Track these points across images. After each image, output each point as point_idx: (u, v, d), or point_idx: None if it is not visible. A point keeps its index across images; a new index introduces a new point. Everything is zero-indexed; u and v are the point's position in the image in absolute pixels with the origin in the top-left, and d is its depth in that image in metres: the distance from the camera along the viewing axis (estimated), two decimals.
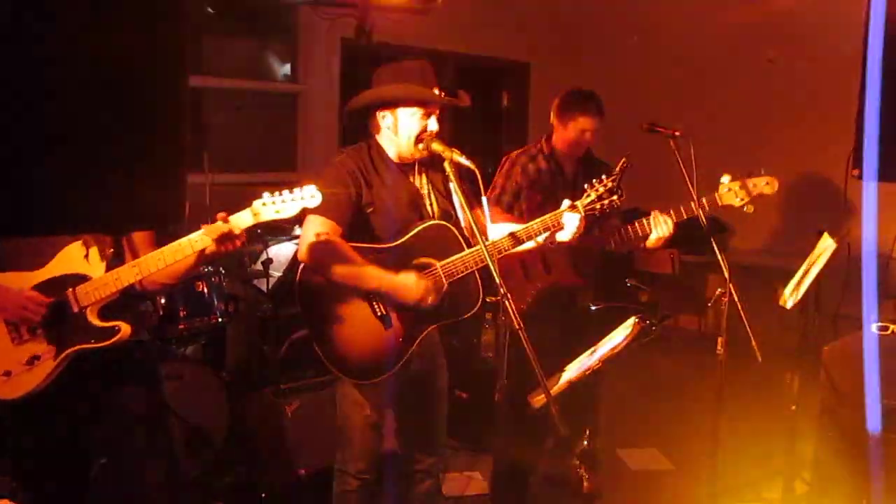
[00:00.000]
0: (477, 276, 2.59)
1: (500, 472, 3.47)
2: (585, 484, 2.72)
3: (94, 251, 2.26)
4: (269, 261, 3.85)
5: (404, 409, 2.77)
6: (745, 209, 2.95)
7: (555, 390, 2.34)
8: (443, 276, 2.55)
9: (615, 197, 2.58)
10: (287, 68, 6.19)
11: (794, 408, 3.33)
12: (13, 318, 2.21)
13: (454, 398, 4.05)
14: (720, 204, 2.98)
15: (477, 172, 2.41)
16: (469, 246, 2.57)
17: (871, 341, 2.97)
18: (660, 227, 3.03)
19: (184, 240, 2.20)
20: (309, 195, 2.24)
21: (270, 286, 3.86)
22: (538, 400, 2.29)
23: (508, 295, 2.20)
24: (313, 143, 6.13)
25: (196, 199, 3.82)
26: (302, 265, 2.57)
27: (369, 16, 4.74)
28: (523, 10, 6.96)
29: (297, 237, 3.98)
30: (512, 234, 2.60)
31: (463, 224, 2.59)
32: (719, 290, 2.89)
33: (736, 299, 2.83)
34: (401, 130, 2.58)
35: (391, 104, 2.58)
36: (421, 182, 2.68)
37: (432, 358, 2.77)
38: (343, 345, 2.56)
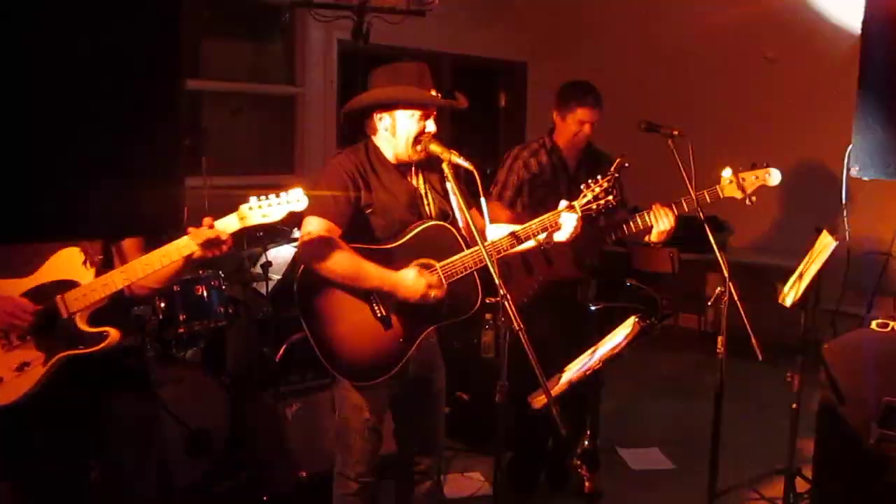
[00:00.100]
0: (476, 276, 2.59)
1: (500, 473, 3.47)
2: (586, 484, 2.73)
3: (84, 257, 2.26)
4: (268, 264, 3.84)
5: (403, 410, 2.77)
6: (747, 202, 2.95)
7: (555, 391, 2.34)
8: (443, 276, 2.55)
9: (611, 196, 2.60)
10: (284, 71, 6.18)
11: (794, 406, 3.33)
12: (2, 324, 2.22)
13: (454, 399, 4.05)
14: (722, 196, 2.98)
15: (476, 173, 2.41)
16: (468, 246, 2.56)
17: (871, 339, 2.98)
18: (661, 221, 3.03)
19: (171, 245, 2.19)
20: (295, 199, 2.23)
21: (270, 289, 3.85)
22: (539, 401, 2.29)
23: (508, 296, 2.20)
24: (311, 146, 6.13)
25: (194, 203, 3.81)
26: (301, 268, 2.56)
27: (366, 18, 4.74)
28: (520, 10, 6.97)
29: (296, 240, 3.97)
30: (511, 235, 2.61)
31: (461, 224, 2.59)
32: (719, 288, 2.89)
33: (736, 298, 2.83)
34: (399, 132, 2.58)
35: (389, 106, 2.57)
36: (418, 182, 2.68)
37: (431, 359, 2.77)
38: (343, 347, 2.55)
